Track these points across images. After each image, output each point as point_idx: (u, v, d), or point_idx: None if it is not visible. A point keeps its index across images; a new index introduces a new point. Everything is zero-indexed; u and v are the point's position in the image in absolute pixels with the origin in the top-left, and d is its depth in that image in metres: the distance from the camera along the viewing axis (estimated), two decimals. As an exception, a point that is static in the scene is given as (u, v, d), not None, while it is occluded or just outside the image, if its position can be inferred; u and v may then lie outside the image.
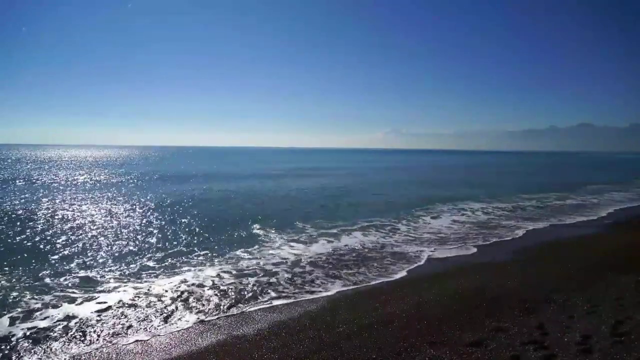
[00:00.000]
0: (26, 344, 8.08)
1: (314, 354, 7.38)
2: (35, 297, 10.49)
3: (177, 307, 9.96)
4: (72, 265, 13.34)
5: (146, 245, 16.11)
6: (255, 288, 11.41)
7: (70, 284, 11.52)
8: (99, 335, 8.45)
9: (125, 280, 11.89)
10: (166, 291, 11.04)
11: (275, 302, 10.37)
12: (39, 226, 19.29)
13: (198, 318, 9.36)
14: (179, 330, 8.74)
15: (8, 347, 7.98)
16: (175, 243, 16.55)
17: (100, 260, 13.91)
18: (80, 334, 8.53)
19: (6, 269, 12.77)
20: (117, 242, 16.48)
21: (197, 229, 19.26)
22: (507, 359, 6.76)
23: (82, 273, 12.51)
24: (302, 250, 15.67)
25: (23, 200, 27.93)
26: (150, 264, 13.65)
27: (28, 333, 8.55)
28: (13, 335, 8.43)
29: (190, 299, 10.51)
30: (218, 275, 12.47)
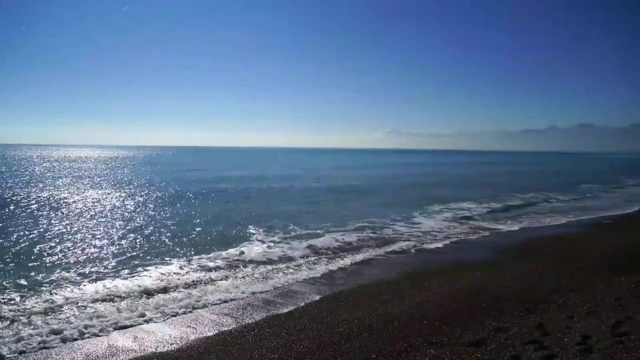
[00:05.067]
0: None
1: (314, 354, 7.37)
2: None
3: (175, 306, 9.98)
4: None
5: (153, 239, 16.12)
6: (255, 287, 11.41)
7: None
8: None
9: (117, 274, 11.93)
10: (165, 289, 11.05)
11: (274, 301, 10.36)
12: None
13: (197, 318, 9.37)
14: (178, 330, 8.75)
15: None
16: (172, 240, 16.58)
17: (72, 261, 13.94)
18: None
19: None
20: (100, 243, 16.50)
21: (193, 229, 19.28)
22: (507, 359, 6.75)
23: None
24: (295, 250, 15.62)
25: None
26: (147, 259, 13.68)
27: None
28: None
29: (190, 298, 10.49)
30: (215, 272, 12.49)
